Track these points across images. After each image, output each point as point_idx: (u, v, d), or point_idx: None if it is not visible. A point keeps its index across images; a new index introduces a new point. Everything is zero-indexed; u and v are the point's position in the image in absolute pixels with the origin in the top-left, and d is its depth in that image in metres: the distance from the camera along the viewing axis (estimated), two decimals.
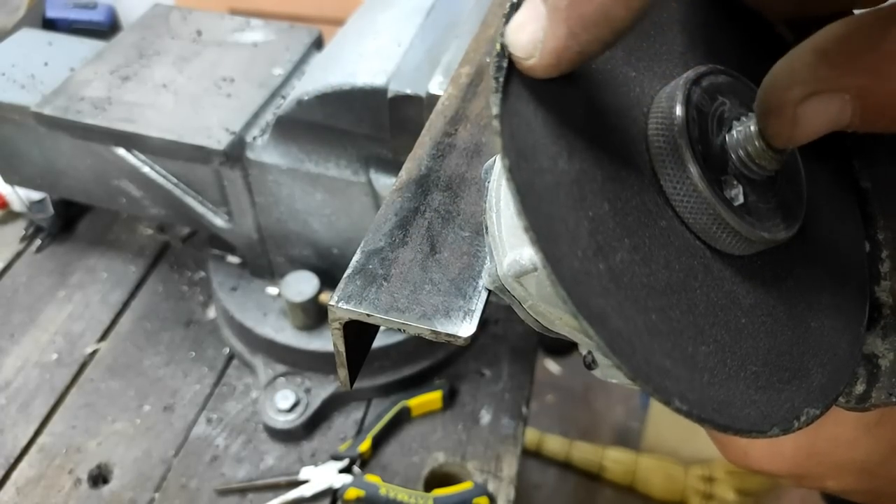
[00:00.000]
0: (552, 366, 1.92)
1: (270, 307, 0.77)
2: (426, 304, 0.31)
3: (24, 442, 0.72)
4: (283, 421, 0.72)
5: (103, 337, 0.82)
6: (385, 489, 0.67)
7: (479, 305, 0.31)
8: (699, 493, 1.51)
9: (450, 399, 0.77)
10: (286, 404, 0.72)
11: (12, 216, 0.95)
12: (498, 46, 0.21)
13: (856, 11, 0.27)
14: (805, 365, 0.25)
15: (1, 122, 0.72)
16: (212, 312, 0.85)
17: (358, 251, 0.33)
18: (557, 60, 0.21)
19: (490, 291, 0.32)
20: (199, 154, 0.63)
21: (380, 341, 0.73)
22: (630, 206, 0.23)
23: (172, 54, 0.73)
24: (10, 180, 0.81)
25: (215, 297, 0.81)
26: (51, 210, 0.91)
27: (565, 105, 0.23)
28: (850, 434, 0.31)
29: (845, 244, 0.29)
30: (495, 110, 0.20)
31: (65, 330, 0.82)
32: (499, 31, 0.22)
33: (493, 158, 0.33)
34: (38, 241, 0.92)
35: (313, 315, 0.73)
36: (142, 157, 0.70)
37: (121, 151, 0.69)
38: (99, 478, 0.70)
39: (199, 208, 0.72)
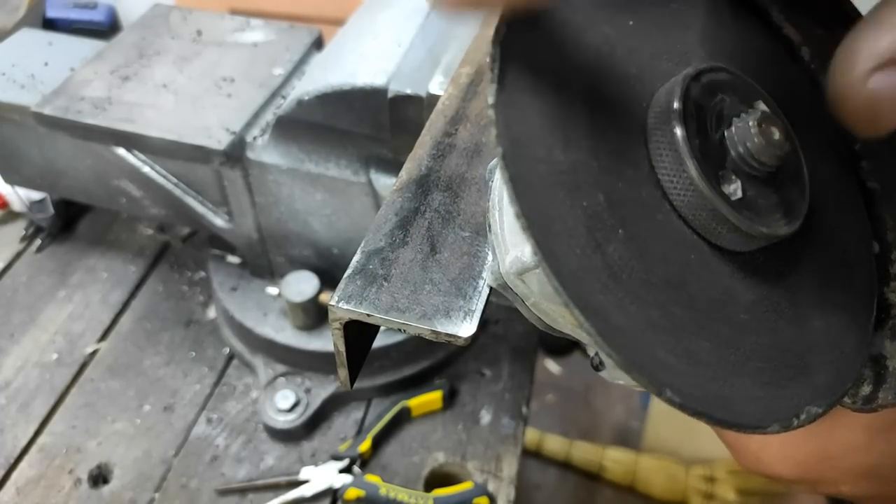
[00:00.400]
0: (552, 366, 1.92)
1: (270, 307, 0.77)
2: (426, 304, 0.31)
3: (24, 442, 0.72)
4: (283, 421, 0.72)
5: (103, 337, 0.82)
6: (385, 489, 0.67)
7: (479, 305, 0.31)
8: (700, 493, 1.51)
9: (450, 399, 0.77)
10: (286, 404, 0.72)
11: (12, 216, 0.95)
12: (494, 36, 0.21)
13: None
14: (809, 363, 0.25)
15: (1, 122, 0.72)
16: (212, 312, 0.85)
17: (358, 251, 0.33)
18: None
19: (492, 291, 0.32)
20: (199, 154, 0.63)
21: (380, 341, 0.73)
22: (626, 198, 0.23)
23: (172, 54, 0.73)
24: (10, 180, 0.81)
25: (215, 297, 0.81)
26: (51, 210, 0.91)
27: (563, 97, 0.23)
28: (862, 438, 0.31)
29: (851, 243, 0.29)
30: (491, 100, 0.20)
31: (65, 330, 0.82)
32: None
33: (496, 158, 0.33)
34: (38, 241, 0.92)
35: (313, 315, 0.73)
36: (142, 157, 0.70)
37: (121, 151, 0.69)
38: (99, 478, 0.70)
39: (199, 208, 0.72)
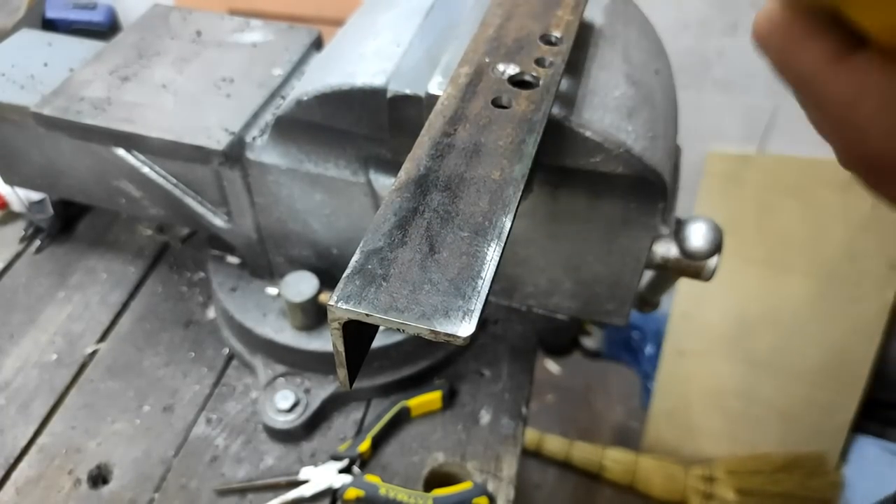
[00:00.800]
0: (552, 366, 1.92)
1: (270, 307, 0.77)
2: (425, 303, 0.31)
3: (23, 442, 0.72)
4: (283, 421, 0.72)
5: (103, 337, 0.82)
6: (385, 489, 0.67)
7: (478, 305, 0.31)
8: (699, 493, 1.51)
9: (449, 399, 0.77)
10: (286, 404, 0.72)
11: (12, 216, 0.95)
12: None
13: None
14: None
15: (1, 122, 0.72)
16: (211, 313, 0.85)
17: (357, 251, 0.33)
18: None
19: (490, 290, 0.32)
20: (199, 154, 0.63)
21: (379, 341, 0.73)
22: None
23: (172, 55, 0.73)
24: (9, 180, 0.81)
25: (215, 298, 0.81)
26: (50, 210, 0.91)
27: None
28: None
29: None
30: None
31: (64, 330, 0.82)
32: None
33: None
34: (37, 242, 0.92)
35: (313, 315, 0.73)
36: (141, 157, 0.70)
37: (120, 152, 0.69)
38: (99, 478, 0.70)
39: (199, 208, 0.72)
